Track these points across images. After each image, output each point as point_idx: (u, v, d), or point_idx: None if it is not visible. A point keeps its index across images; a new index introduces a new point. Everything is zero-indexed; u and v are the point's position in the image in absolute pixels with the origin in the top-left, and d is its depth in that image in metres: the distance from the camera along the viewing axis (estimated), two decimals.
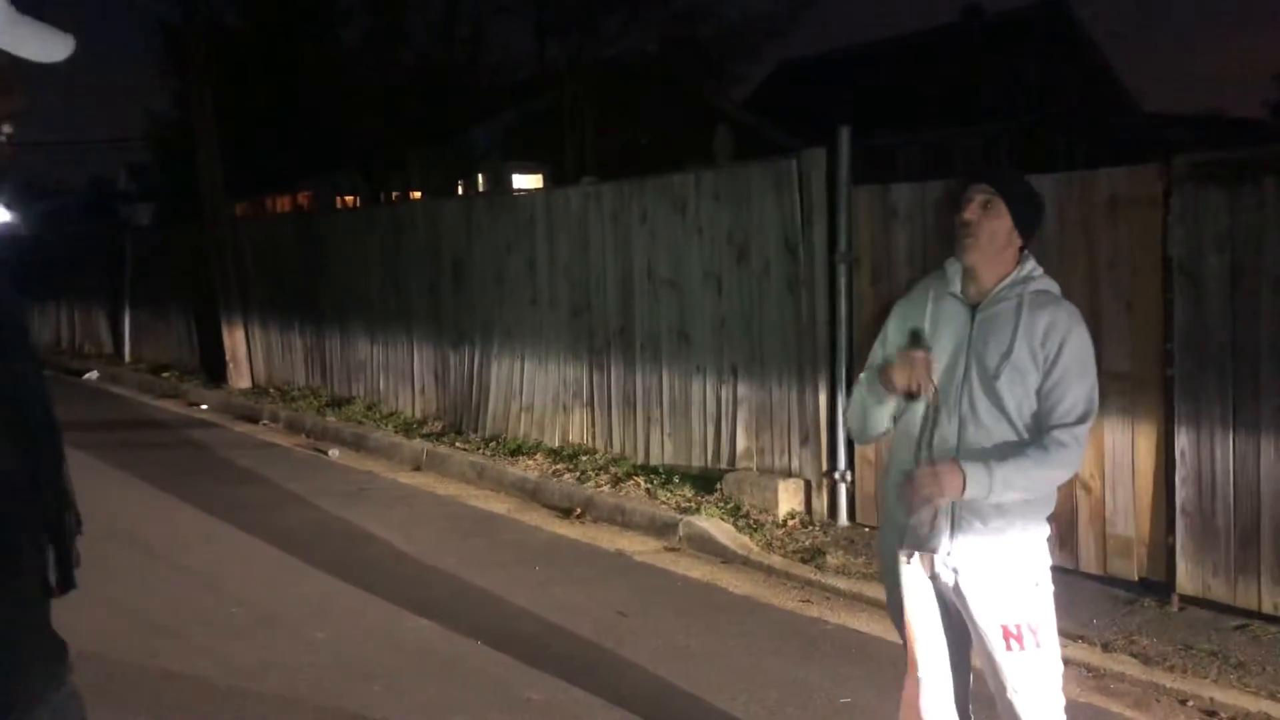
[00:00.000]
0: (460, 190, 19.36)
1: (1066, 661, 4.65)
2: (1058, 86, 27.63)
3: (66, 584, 1.74)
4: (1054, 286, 2.81)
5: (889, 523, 2.91)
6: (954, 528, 2.73)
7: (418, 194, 18.25)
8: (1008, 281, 2.75)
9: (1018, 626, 2.70)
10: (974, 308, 2.77)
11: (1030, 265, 2.79)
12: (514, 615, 5.36)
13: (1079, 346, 2.71)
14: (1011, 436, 2.69)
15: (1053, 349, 2.68)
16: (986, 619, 2.72)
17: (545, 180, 19.03)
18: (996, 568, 2.72)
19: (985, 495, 2.62)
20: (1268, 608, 4.84)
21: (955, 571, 2.74)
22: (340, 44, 20.10)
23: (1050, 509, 2.78)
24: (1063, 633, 4.77)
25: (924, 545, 2.77)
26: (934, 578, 2.78)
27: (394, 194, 18.63)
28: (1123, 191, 5.25)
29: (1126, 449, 5.27)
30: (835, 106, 25.98)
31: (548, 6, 18.98)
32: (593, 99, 18.37)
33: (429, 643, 4.95)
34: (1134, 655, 4.69)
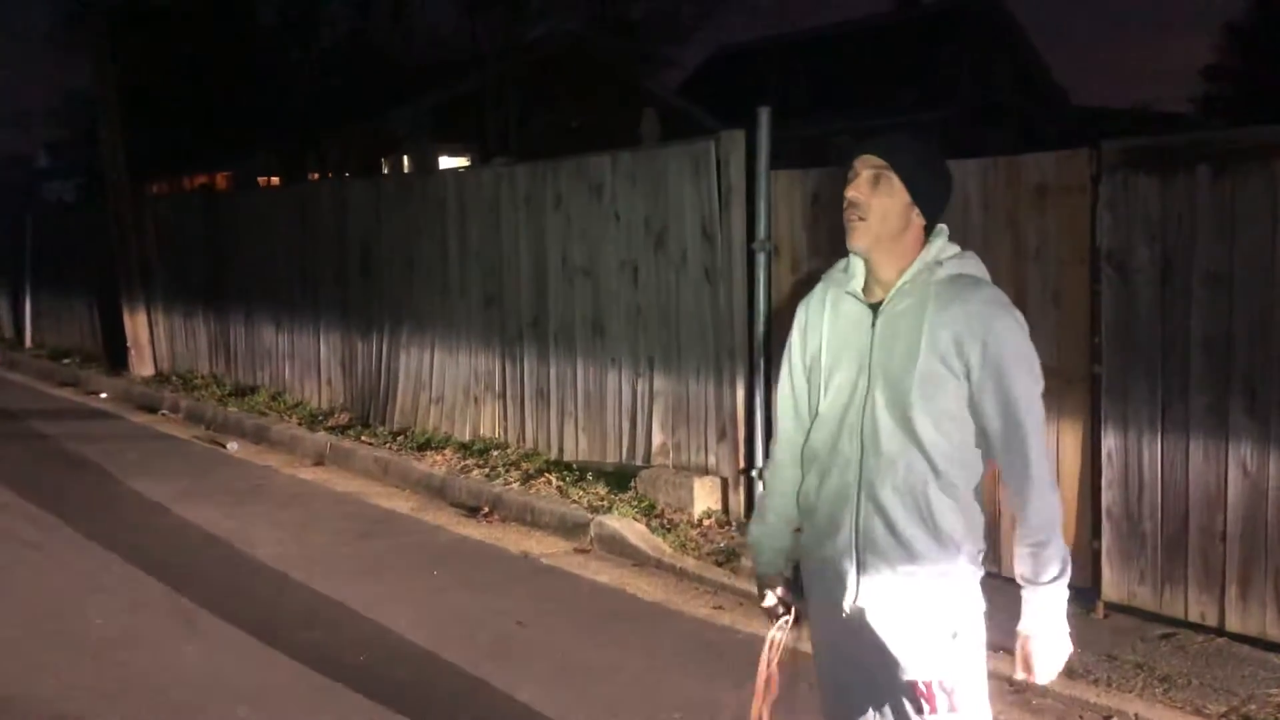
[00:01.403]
0: (385, 171, 18.82)
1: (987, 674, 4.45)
2: (989, 78, 27.72)
3: None
4: (972, 267, 2.29)
5: (805, 560, 2.48)
6: (859, 570, 2.30)
7: (346, 175, 17.70)
8: (911, 272, 2.28)
9: (928, 685, 2.26)
10: (875, 307, 2.32)
11: (938, 246, 2.30)
12: (403, 627, 4.97)
13: (1008, 337, 2.21)
14: (920, 464, 2.24)
15: (973, 350, 2.19)
16: (895, 675, 2.30)
17: (473, 162, 18.55)
18: (906, 616, 2.28)
19: (1059, 570, 2.22)
20: (1194, 616, 4.61)
21: (862, 619, 2.32)
22: (256, 19, 19.40)
23: (979, 546, 2.32)
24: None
25: (829, 590, 2.37)
26: (843, 621, 2.36)
27: (312, 175, 18.02)
28: (1051, 178, 4.98)
29: (1052, 448, 5.00)
30: (770, 93, 25.80)
31: None
32: (519, 80, 17.91)
33: (306, 660, 4.55)
34: None
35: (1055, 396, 4.98)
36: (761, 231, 6.20)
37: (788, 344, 2.49)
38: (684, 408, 6.74)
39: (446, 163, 19.39)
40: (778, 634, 2.50)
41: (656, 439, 6.92)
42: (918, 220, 2.30)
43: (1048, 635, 2.23)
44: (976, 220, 5.21)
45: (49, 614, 5.11)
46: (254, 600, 5.34)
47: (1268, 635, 4.41)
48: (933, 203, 2.31)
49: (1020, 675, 2.30)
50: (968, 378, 2.23)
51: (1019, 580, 2.26)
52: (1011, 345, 2.24)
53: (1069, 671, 4.37)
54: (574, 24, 18.76)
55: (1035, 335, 5.04)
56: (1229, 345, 4.43)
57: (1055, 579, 2.22)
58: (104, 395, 11.88)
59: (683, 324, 6.73)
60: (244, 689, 4.24)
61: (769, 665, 2.50)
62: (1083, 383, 4.89)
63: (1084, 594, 4.98)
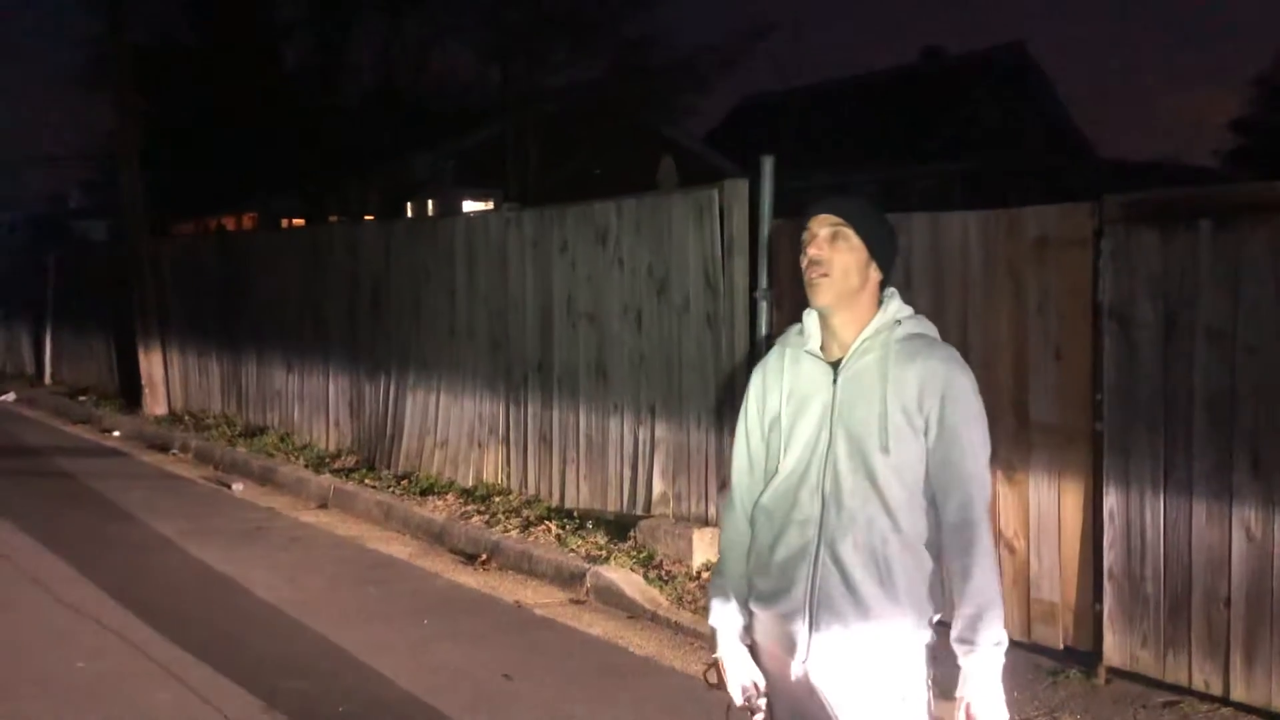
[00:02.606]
0: (410, 215, 18.93)
1: None
2: (1014, 129, 27.67)
3: None
4: (927, 328, 2.35)
5: (756, 619, 2.43)
6: (811, 628, 2.26)
7: (370, 217, 17.84)
8: (871, 329, 2.30)
9: None
10: (835, 365, 2.32)
11: (895, 306, 2.34)
12: (388, 677, 4.88)
13: (964, 397, 2.24)
14: (882, 520, 2.23)
15: (933, 407, 2.23)
16: None
17: (496, 207, 18.64)
18: (856, 676, 2.25)
19: (1002, 635, 2.19)
20: (1198, 684, 4.46)
21: (812, 678, 2.28)
22: (282, 64, 19.65)
23: (933, 610, 2.29)
24: None
25: (782, 644, 2.33)
26: (794, 683, 2.32)
27: (335, 218, 18.15)
28: (1052, 231, 4.90)
29: (1053, 507, 4.90)
30: (794, 143, 25.87)
31: (495, 32, 18.63)
32: (540, 127, 18.02)
33: (286, 710, 4.46)
34: None
35: (1057, 453, 4.88)
36: (764, 280, 6.14)
37: (743, 407, 2.47)
38: (685, 456, 6.66)
39: (469, 207, 19.52)
40: (757, 717, 2.43)
41: (657, 488, 6.83)
42: (875, 276, 2.33)
43: (987, 701, 2.19)
44: (977, 274, 5.13)
45: (33, 654, 5.06)
46: (241, 645, 5.27)
47: (1273, 706, 4.24)
48: (887, 258, 2.35)
49: None
50: (925, 433, 2.24)
51: (956, 645, 2.22)
52: (967, 404, 2.26)
53: None
54: (595, 72, 18.89)
55: (1037, 390, 4.99)
56: (1233, 403, 4.32)
57: (997, 643, 2.20)
58: (117, 433, 11.90)
59: (685, 371, 6.67)
60: None
61: None
62: (1084, 440, 4.77)
63: (1085, 657, 4.85)
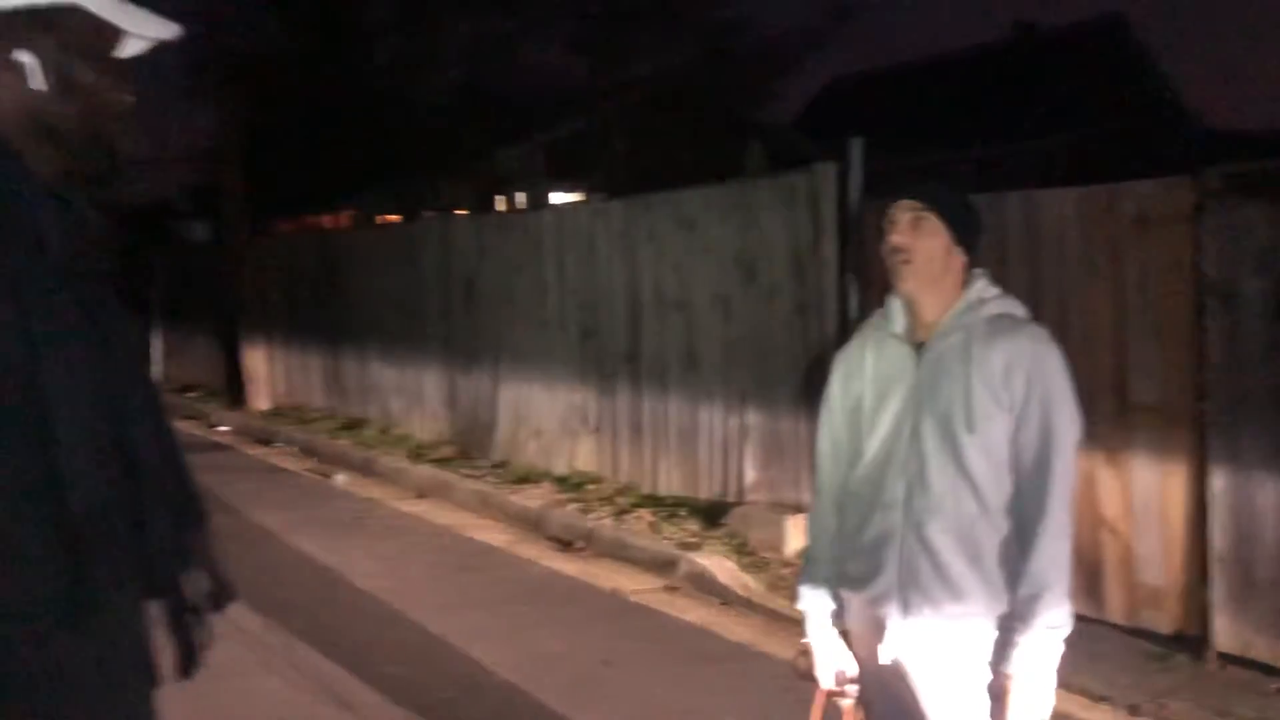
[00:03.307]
0: (500, 209, 19.15)
1: None
2: (1114, 103, 26.89)
3: (188, 663, 1.54)
4: (1014, 307, 2.33)
5: (846, 605, 2.44)
6: (904, 609, 2.26)
7: (461, 212, 18.09)
8: (956, 310, 2.29)
9: None
10: (919, 347, 2.31)
11: (980, 286, 2.32)
12: (490, 663, 4.97)
13: (1052, 376, 2.22)
14: (969, 501, 2.21)
15: (1019, 386, 2.20)
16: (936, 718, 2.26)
17: (586, 198, 18.76)
18: (948, 662, 2.24)
19: (1062, 619, 2.17)
20: None
21: (904, 661, 2.28)
22: (373, 63, 19.99)
23: None
24: (1084, 691, 4.36)
25: (873, 629, 2.33)
26: (886, 666, 2.32)
27: (428, 213, 18.45)
28: (1151, 207, 4.78)
29: (1155, 489, 4.78)
30: (884, 124, 25.50)
31: (581, 23, 18.72)
32: (627, 117, 18.06)
33: (390, 694, 4.58)
34: None
35: (1158, 434, 4.76)
36: (854, 264, 6.09)
37: (826, 394, 2.48)
38: (777, 443, 6.65)
39: (558, 199, 19.67)
40: (846, 702, 2.43)
41: (749, 475, 6.83)
42: (959, 259, 2.32)
43: (1033, 683, 2.16)
44: (1074, 252, 5.02)
45: None
46: (346, 632, 5.41)
47: None
48: (971, 240, 2.34)
49: (994, 717, 2.22)
50: (1011, 409, 2.22)
51: (1012, 621, 2.20)
52: (1055, 382, 2.23)
53: None
54: (681, 60, 18.85)
55: (1138, 370, 4.87)
56: None
57: (1052, 627, 2.16)
58: (224, 428, 12.29)
59: (775, 358, 6.65)
60: None
61: None
62: (1188, 421, 4.65)
63: (1193, 643, 4.73)
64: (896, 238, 2.29)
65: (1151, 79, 28.76)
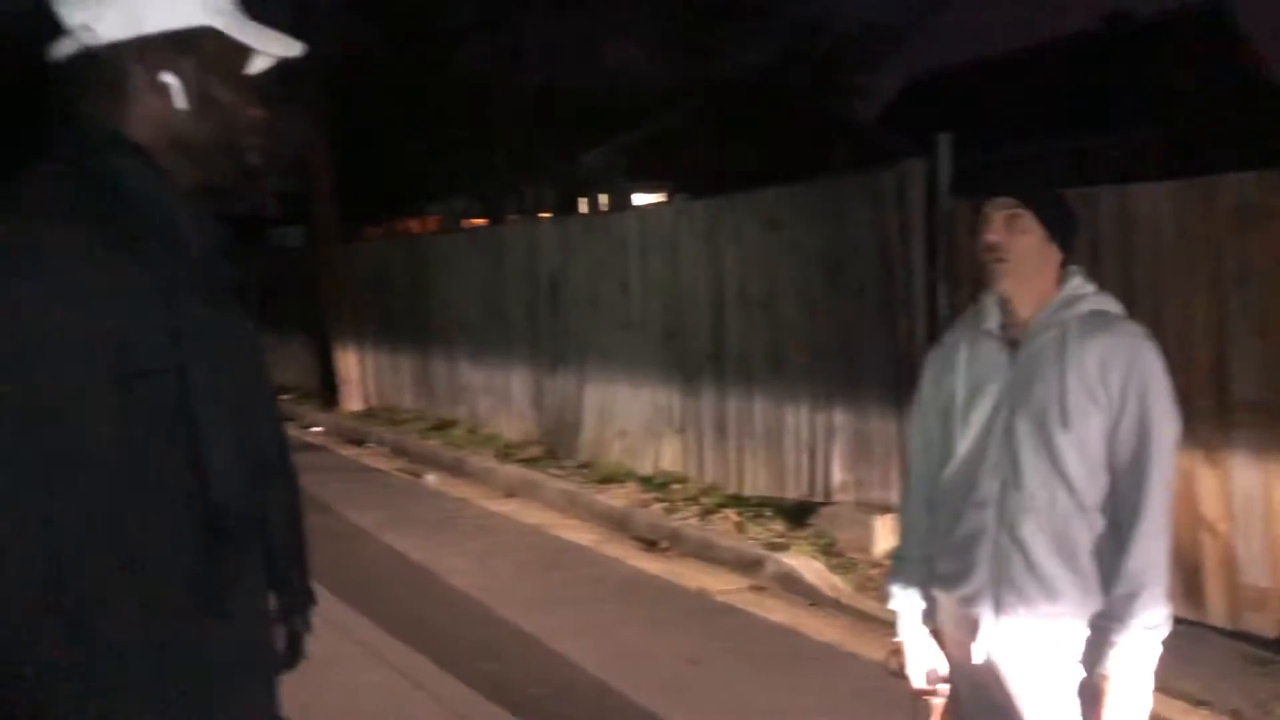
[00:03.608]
0: (584, 211, 19.30)
1: None
2: (1209, 92, 26.10)
3: (294, 655, 1.61)
4: (1110, 304, 2.29)
5: (939, 604, 2.42)
6: (997, 608, 2.24)
7: (546, 214, 18.30)
8: (1050, 307, 2.26)
9: None
10: (1014, 345, 2.28)
11: (1076, 283, 2.28)
12: (578, 660, 5.03)
13: (1150, 373, 2.18)
14: (1064, 499, 2.18)
15: (1116, 383, 2.16)
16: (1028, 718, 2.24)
17: (669, 199, 18.81)
18: (1042, 662, 2.21)
19: (1159, 619, 2.12)
20: None
21: (997, 661, 2.26)
22: (457, 68, 20.30)
23: None
24: (1184, 696, 4.26)
25: (966, 628, 2.32)
26: (978, 666, 2.30)
27: (513, 216, 18.68)
28: (1252, 199, 4.65)
29: (1259, 488, 4.65)
30: (972, 118, 25.09)
31: (663, 23, 18.77)
32: (709, 117, 18.07)
33: (483, 691, 4.66)
34: None
35: (1261, 432, 4.63)
36: (941, 262, 6.03)
37: (919, 392, 2.47)
38: (865, 443, 6.60)
39: (640, 200, 19.75)
40: (937, 701, 2.43)
41: (836, 475, 6.79)
42: (1053, 256, 2.28)
43: (1129, 684, 2.11)
44: (1170, 247, 4.91)
45: None
46: (439, 628, 5.51)
47: None
48: (1067, 236, 2.30)
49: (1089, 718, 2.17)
50: (1108, 407, 2.18)
51: (1108, 620, 2.15)
52: (1153, 379, 2.19)
53: None
54: (763, 59, 18.81)
55: (1239, 366, 4.76)
56: None
57: (1151, 627, 2.11)
58: (317, 429, 12.57)
59: (862, 357, 6.60)
60: (420, 718, 4.38)
61: None
62: None
63: None
64: (991, 236, 2.25)
65: (1253, 68, 27.87)
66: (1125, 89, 26.29)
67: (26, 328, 1.21)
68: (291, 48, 1.52)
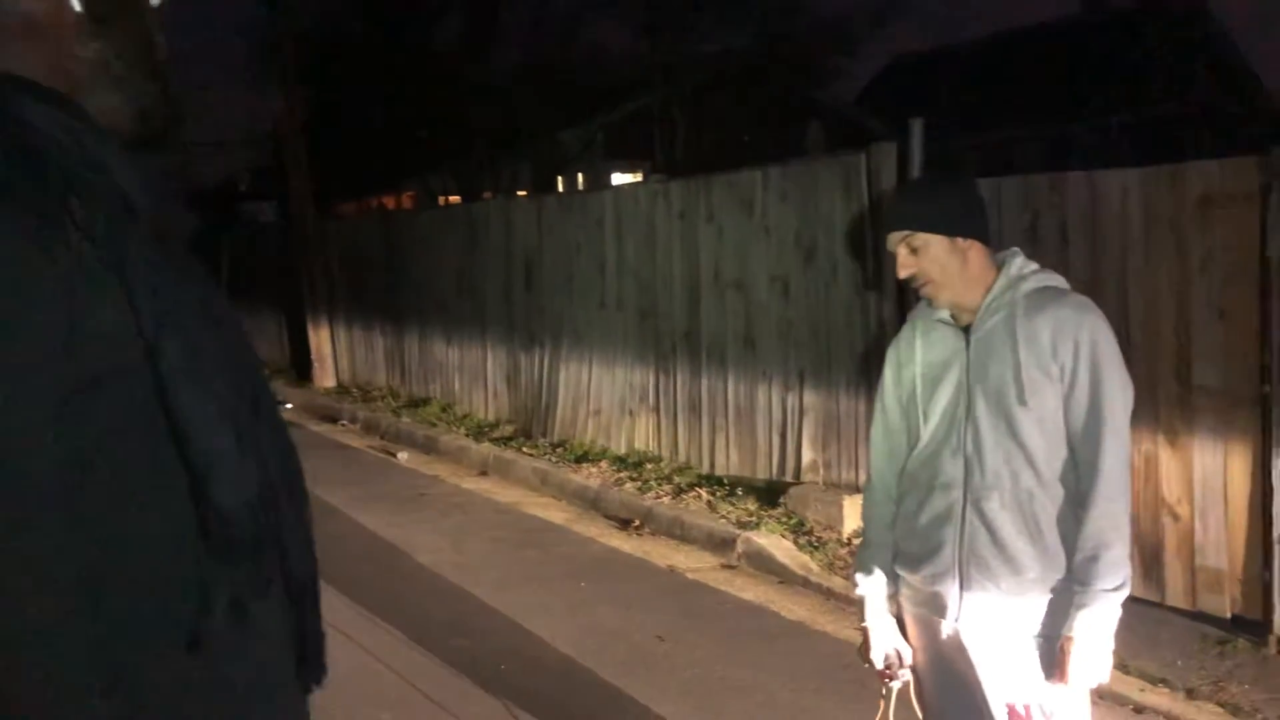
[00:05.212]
0: (560, 189, 19.25)
1: (1144, 709, 4.22)
2: (1184, 79, 26.27)
3: (318, 670, 1.36)
4: (1054, 280, 2.35)
5: (902, 586, 2.49)
6: (962, 587, 2.31)
7: (522, 193, 18.24)
8: (996, 290, 2.32)
9: (1026, 707, 2.25)
10: (967, 329, 2.35)
11: (1018, 263, 2.35)
12: (547, 637, 5.08)
13: (1099, 342, 2.23)
14: (1027, 475, 2.25)
15: (1067, 354, 2.22)
16: (992, 694, 2.29)
17: (645, 179, 18.78)
18: (1007, 634, 2.28)
19: (1120, 580, 2.19)
20: None
21: (962, 637, 2.32)
22: (435, 44, 20.16)
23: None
24: (1143, 675, 4.35)
25: (931, 606, 2.38)
26: (943, 643, 2.37)
27: (489, 194, 18.61)
28: (1216, 187, 4.71)
29: (1218, 473, 4.73)
30: (949, 102, 25.14)
31: (643, 3, 18.70)
32: (688, 97, 18.04)
33: (454, 667, 4.70)
34: (1222, 705, 4.18)
35: (1222, 417, 4.71)
36: None
37: (881, 383, 2.54)
38: (835, 423, 6.66)
39: (618, 180, 19.72)
40: (895, 684, 2.49)
41: (807, 455, 6.85)
42: (970, 246, 2.33)
43: (1090, 644, 2.18)
44: (1137, 233, 4.97)
45: None
46: (410, 605, 5.54)
47: None
48: (971, 226, 2.34)
49: (1051, 680, 2.24)
50: (1061, 378, 2.24)
51: (1072, 585, 2.23)
52: (1104, 347, 2.24)
53: (1234, 710, 4.13)
54: (743, 39, 18.78)
55: (1201, 353, 4.83)
56: None
57: (1111, 589, 2.18)
58: (289, 405, 12.52)
59: (833, 338, 6.65)
60: (387, 694, 4.42)
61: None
62: (1251, 403, 4.59)
63: (1254, 626, 4.69)
64: (904, 272, 2.33)
65: (1228, 57, 28.05)
66: (1102, 76, 26.41)
67: None
68: None
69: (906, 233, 2.32)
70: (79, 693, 0.99)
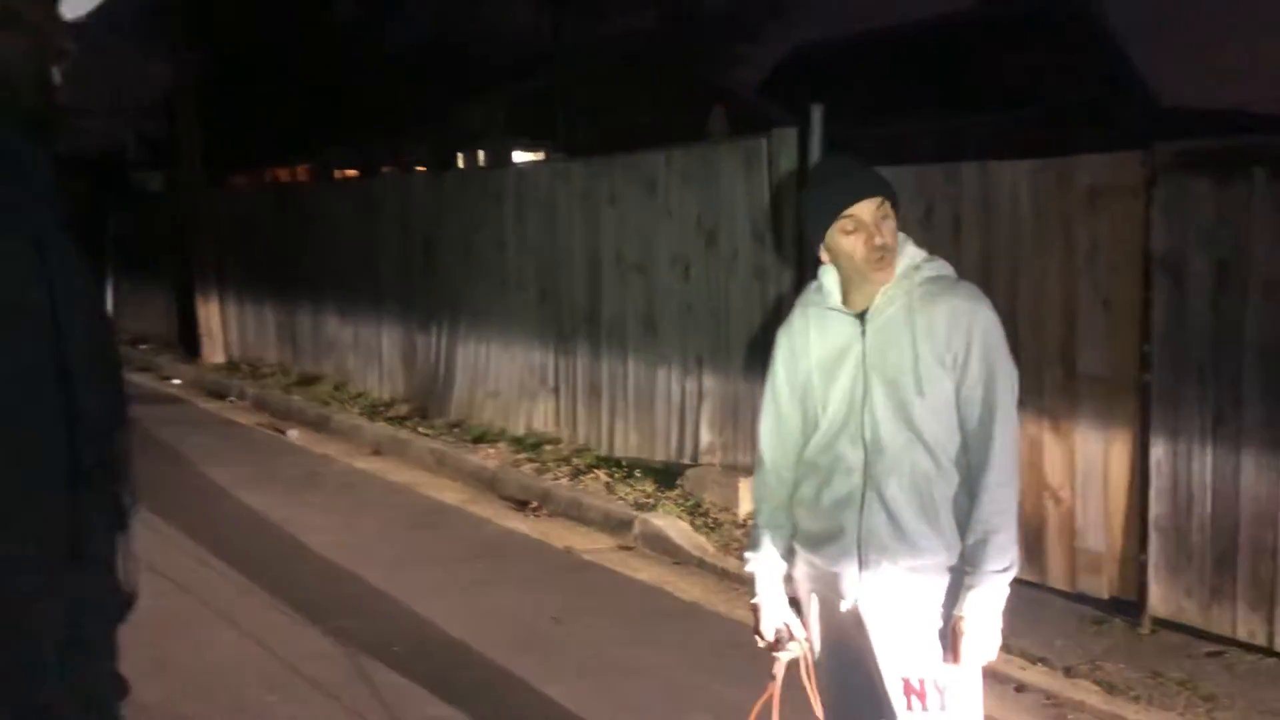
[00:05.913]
0: (460, 166, 18.99)
1: (1025, 686, 4.35)
2: (1072, 77, 27.06)
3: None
4: (946, 269, 2.38)
5: (801, 568, 2.51)
6: (861, 568, 2.34)
7: (422, 168, 17.94)
8: (894, 277, 2.34)
9: (920, 682, 2.29)
10: (861, 316, 2.36)
11: (911, 251, 2.36)
12: (440, 619, 5.02)
13: (990, 332, 2.28)
14: (924, 461, 2.29)
15: (960, 344, 2.26)
16: (888, 670, 2.33)
17: (547, 158, 18.64)
18: (904, 612, 2.32)
19: (1008, 563, 2.25)
20: (1243, 635, 4.46)
21: (862, 615, 2.36)
22: (334, 14, 19.73)
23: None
24: (1024, 654, 4.48)
25: (831, 586, 2.41)
26: (842, 621, 2.40)
27: (388, 168, 18.29)
28: (1103, 180, 4.85)
29: (1099, 458, 4.89)
30: (849, 91, 25.44)
31: None
32: (591, 77, 17.96)
33: (343, 648, 4.61)
34: (1098, 683, 4.33)
35: (1104, 404, 4.86)
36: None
37: (771, 370, 2.53)
38: (732, 406, 6.71)
39: (520, 158, 19.53)
40: (784, 656, 2.52)
41: (704, 437, 6.89)
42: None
43: (981, 623, 2.26)
44: (1028, 224, 5.09)
45: None
46: (299, 586, 5.42)
47: None
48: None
49: (945, 658, 2.31)
50: (954, 366, 2.28)
51: (965, 566, 2.30)
52: (994, 335, 2.31)
53: (1109, 687, 4.28)
54: (647, 21, 18.74)
55: (1086, 341, 4.96)
56: None
57: (1000, 570, 2.26)
58: (176, 381, 12.18)
59: (733, 322, 6.70)
60: (274, 676, 4.32)
61: (774, 696, 2.50)
62: (1132, 391, 4.75)
63: (1130, 607, 4.86)
64: (880, 240, 2.28)
65: (1115, 55, 28.95)
66: (996, 71, 27.04)
67: None
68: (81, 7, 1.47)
69: (880, 199, 2.30)
70: None
